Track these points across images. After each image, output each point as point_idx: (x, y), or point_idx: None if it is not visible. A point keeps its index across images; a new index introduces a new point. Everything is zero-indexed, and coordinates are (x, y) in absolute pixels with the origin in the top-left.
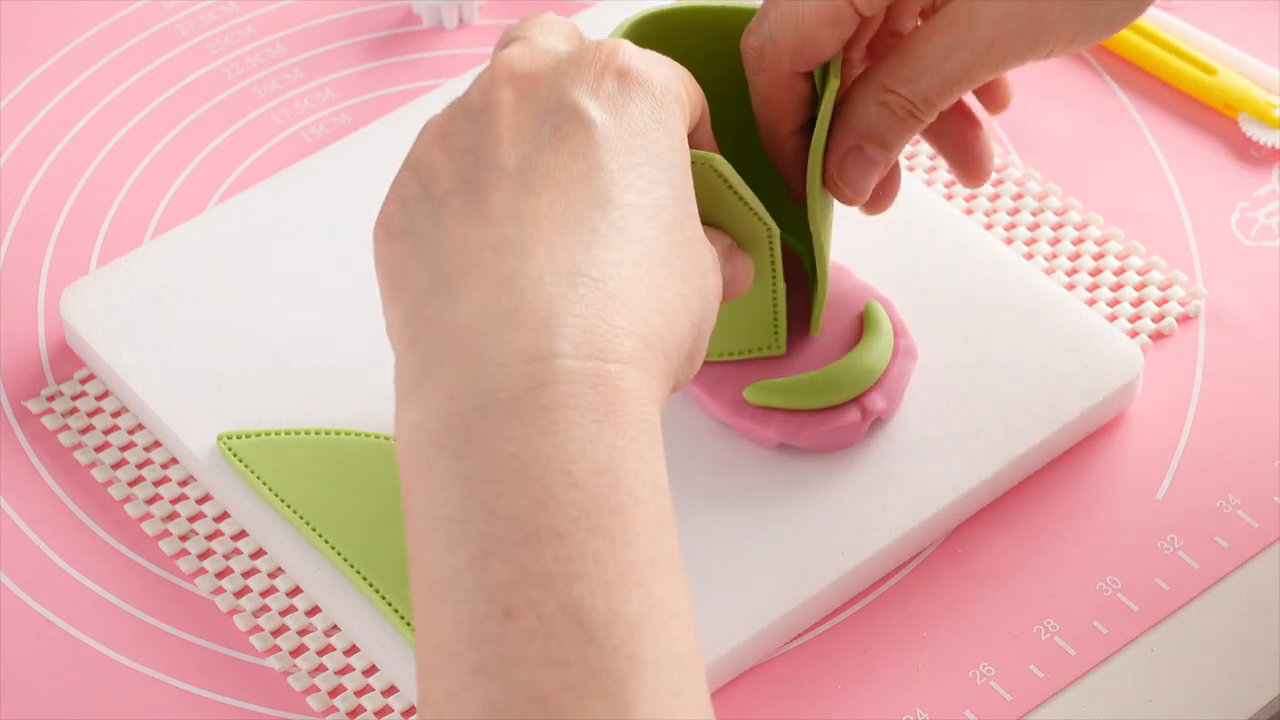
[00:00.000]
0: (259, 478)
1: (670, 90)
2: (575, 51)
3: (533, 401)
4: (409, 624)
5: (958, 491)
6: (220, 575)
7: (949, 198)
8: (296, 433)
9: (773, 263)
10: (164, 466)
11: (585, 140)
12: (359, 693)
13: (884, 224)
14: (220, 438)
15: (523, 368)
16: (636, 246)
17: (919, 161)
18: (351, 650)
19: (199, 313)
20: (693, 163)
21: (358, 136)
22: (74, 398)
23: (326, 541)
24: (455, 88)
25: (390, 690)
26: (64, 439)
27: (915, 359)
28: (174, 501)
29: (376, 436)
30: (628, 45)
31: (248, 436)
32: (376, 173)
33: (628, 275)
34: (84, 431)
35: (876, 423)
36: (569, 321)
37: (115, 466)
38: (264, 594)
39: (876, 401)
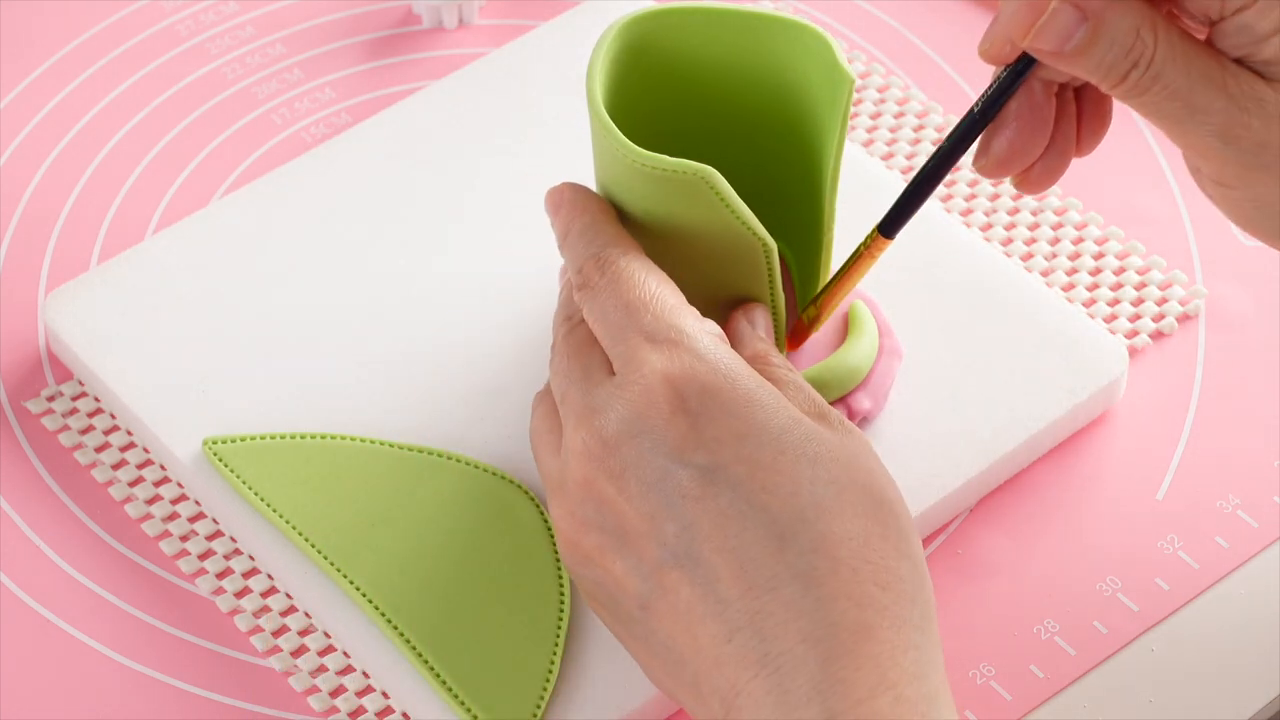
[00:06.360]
0: (244, 482)
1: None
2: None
3: None
4: (395, 628)
5: (943, 491)
6: (220, 575)
7: (948, 197)
8: (282, 437)
9: (770, 277)
10: (164, 467)
11: None
12: (360, 693)
13: (868, 224)
14: (205, 442)
15: None
16: None
17: (897, 163)
18: None
19: (182, 317)
20: (689, 178)
21: (339, 140)
22: (74, 398)
23: (311, 544)
24: (446, 85)
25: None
26: (64, 439)
27: (900, 359)
28: (174, 502)
29: (362, 440)
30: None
31: (233, 441)
32: (358, 176)
33: None
34: (84, 432)
35: (862, 422)
36: None
37: (115, 467)
38: (264, 594)
39: (862, 401)
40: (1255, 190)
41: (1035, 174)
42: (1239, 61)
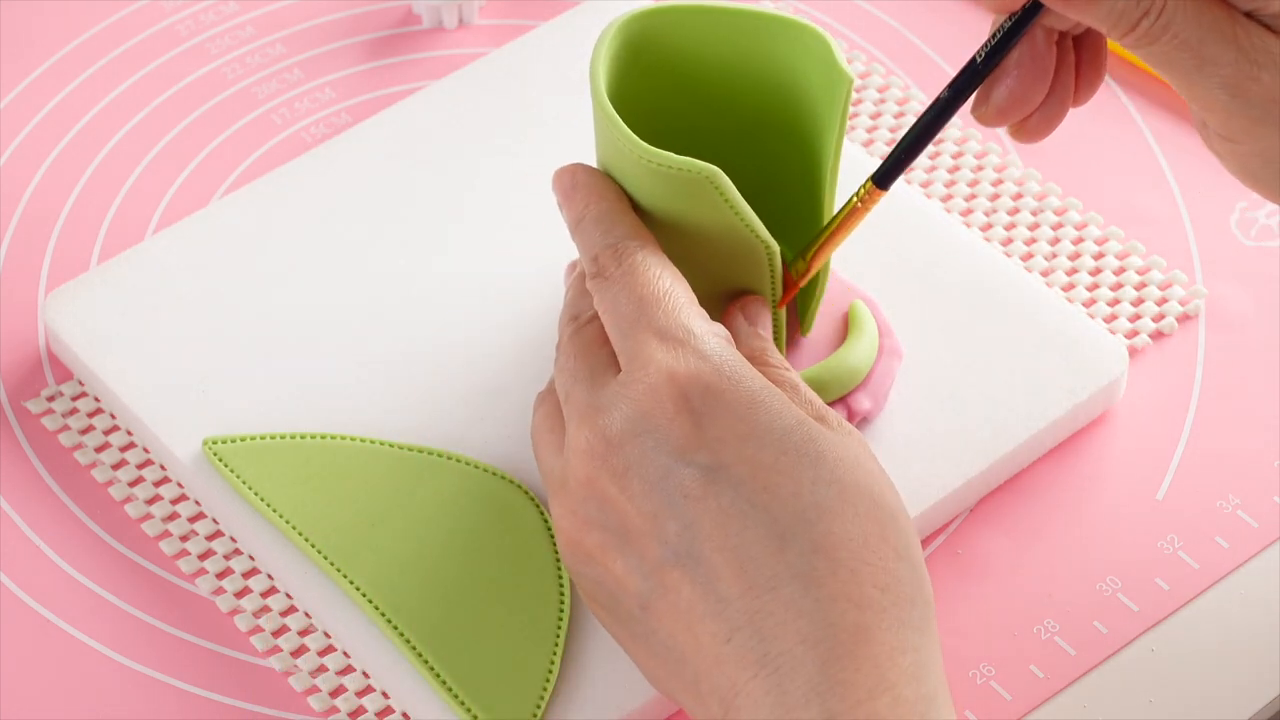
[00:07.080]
0: (244, 482)
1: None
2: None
3: None
4: (395, 628)
5: (944, 491)
6: (220, 575)
7: (948, 197)
8: (282, 437)
9: (772, 279)
10: (164, 467)
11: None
12: (360, 693)
13: (867, 224)
14: (205, 442)
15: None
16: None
17: None
18: None
19: (182, 317)
20: (693, 176)
21: (339, 140)
22: (74, 398)
23: (311, 544)
24: (446, 85)
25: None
26: (64, 439)
27: (900, 359)
28: (174, 502)
29: (362, 440)
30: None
31: (233, 441)
32: (358, 176)
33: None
34: (84, 432)
35: (862, 422)
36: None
37: (115, 467)
38: (264, 594)
39: (862, 401)
40: (1261, 145)
41: (1033, 123)
42: (1249, 15)
